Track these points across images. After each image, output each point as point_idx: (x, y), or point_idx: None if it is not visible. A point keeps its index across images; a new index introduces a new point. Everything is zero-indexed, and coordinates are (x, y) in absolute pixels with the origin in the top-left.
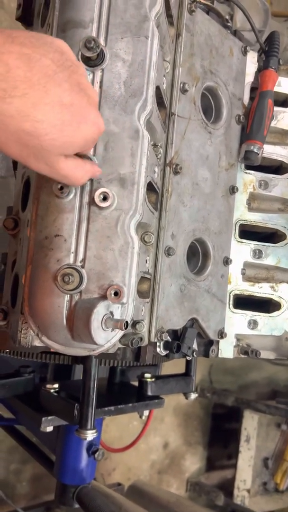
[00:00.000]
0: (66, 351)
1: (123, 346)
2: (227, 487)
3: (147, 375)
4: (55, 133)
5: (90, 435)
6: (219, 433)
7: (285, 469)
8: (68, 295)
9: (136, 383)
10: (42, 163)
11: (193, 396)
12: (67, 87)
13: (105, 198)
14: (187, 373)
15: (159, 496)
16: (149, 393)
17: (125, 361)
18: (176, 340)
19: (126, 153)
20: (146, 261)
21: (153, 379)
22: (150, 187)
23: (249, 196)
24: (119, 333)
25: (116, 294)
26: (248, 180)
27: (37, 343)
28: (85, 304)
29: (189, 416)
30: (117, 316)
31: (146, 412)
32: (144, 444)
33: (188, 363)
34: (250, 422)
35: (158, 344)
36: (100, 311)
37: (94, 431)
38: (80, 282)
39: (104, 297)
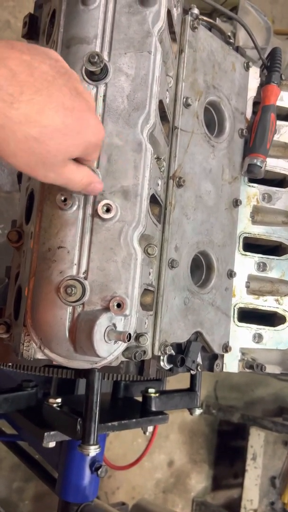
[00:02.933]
0: (68, 364)
1: (126, 360)
2: (234, 507)
3: (151, 390)
4: (60, 137)
5: (93, 450)
6: (225, 451)
7: None
8: (71, 307)
9: (140, 399)
10: (49, 170)
11: (198, 411)
12: (67, 92)
13: (108, 210)
14: (191, 388)
15: None
16: (153, 409)
17: (129, 375)
18: (180, 354)
19: (129, 165)
20: (150, 274)
21: (157, 394)
22: (154, 200)
23: (252, 209)
24: (122, 346)
25: (119, 306)
26: (252, 193)
27: (39, 355)
28: (87, 316)
29: (194, 433)
30: (120, 328)
31: (150, 428)
32: (148, 462)
33: (193, 378)
34: (257, 440)
35: (161, 357)
36: (102, 323)
37: (97, 446)
38: (83, 294)
39: (106, 309)
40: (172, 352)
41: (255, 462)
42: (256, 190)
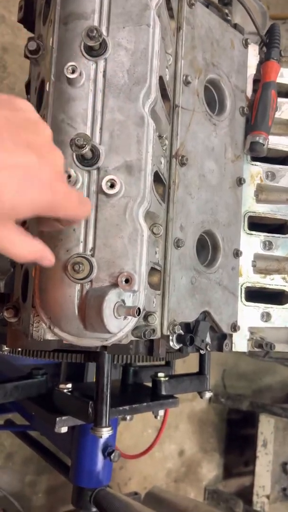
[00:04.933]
0: (79, 342)
1: (136, 339)
2: (246, 494)
3: (160, 374)
4: None
5: (105, 432)
6: (235, 439)
7: None
8: (79, 285)
9: (149, 384)
10: None
11: (208, 394)
12: (11, 147)
13: (112, 186)
14: (201, 372)
15: (177, 503)
16: (163, 393)
17: (138, 356)
18: (189, 333)
19: (132, 140)
20: (156, 253)
21: (167, 378)
22: (157, 179)
23: (256, 187)
24: (131, 322)
25: (127, 281)
26: (255, 171)
27: (49, 336)
28: (96, 293)
29: (204, 422)
30: (129, 304)
31: (161, 412)
32: (159, 452)
33: (202, 361)
34: (267, 426)
35: (171, 337)
36: (111, 298)
37: (109, 428)
38: (91, 271)
39: (115, 285)
40: (181, 331)
41: (265, 449)
42: (260, 168)
